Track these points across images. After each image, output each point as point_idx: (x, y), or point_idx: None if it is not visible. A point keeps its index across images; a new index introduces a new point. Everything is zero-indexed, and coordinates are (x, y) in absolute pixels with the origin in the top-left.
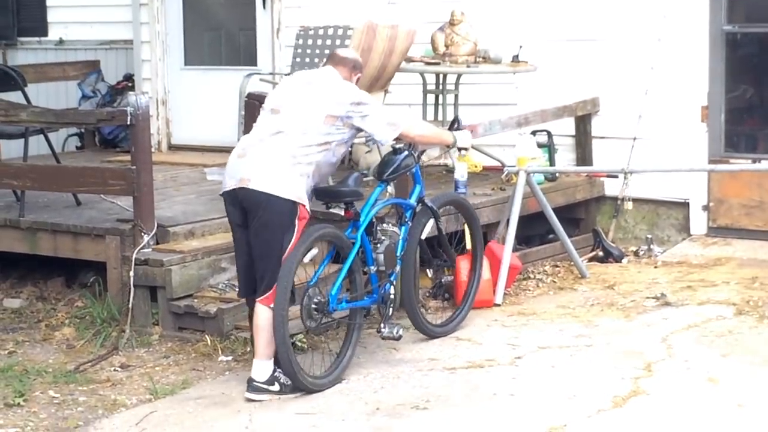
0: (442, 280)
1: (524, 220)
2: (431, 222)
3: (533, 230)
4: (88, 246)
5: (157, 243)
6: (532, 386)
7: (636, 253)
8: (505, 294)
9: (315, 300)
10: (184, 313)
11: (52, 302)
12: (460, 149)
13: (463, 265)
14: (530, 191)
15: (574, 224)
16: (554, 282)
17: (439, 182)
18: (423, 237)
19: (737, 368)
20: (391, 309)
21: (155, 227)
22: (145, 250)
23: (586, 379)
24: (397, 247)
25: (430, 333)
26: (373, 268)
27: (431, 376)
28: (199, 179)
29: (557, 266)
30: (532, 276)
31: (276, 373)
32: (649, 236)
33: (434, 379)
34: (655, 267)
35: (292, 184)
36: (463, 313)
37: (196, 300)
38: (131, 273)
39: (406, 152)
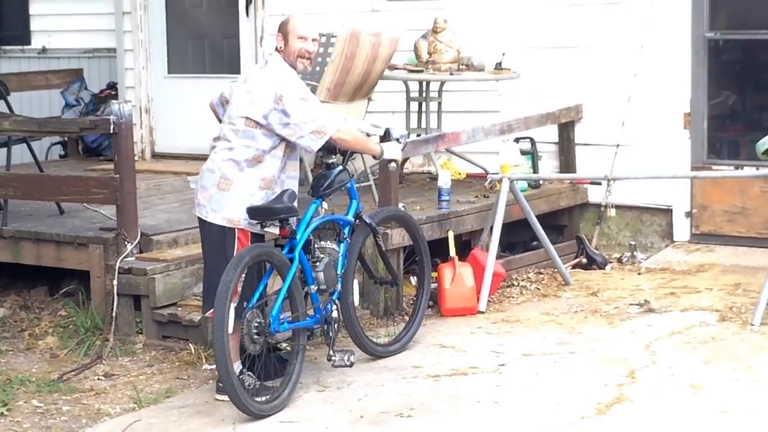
0: None
1: (508, 227)
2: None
3: (517, 237)
4: (72, 255)
5: (141, 252)
6: (516, 393)
7: (619, 260)
8: (489, 301)
9: (255, 323)
10: (167, 322)
11: (36, 311)
12: (389, 161)
13: (447, 272)
14: (514, 198)
15: (557, 231)
16: (538, 289)
17: (423, 189)
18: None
19: (720, 375)
20: (333, 330)
21: (138, 236)
22: (129, 258)
23: (570, 386)
24: (337, 265)
25: (375, 354)
26: (313, 288)
27: (415, 383)
28: (182, 188)
29: (541, 273)
30: (516, 283)
31: (242, 375)
32: (633, 243)
33: (418, 387)
34: (639, 274)
35: (225, 206)
36: (411, 332)
37: (179, 308)
38: (115, 282)
39: (340, 167)
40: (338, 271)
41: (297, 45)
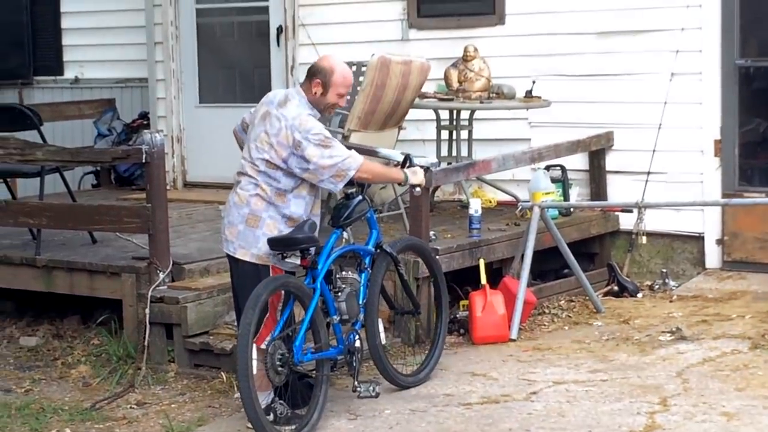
0: (457, 316)
1: (539, 255)
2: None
3: (548, 265)
4: (104, 284)
5: (173, 280)
6: (547, 422)
7: (651, 288)
8: (520, 329)
9: (278, 354)
10: (199, 350)
11: (69, 340)
12: (413, 186)
13: (478, 300)
14: (545, 226)
15: (588, 259)
16: (569, 317)
17: (454, 217)
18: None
19: (753, 402)
20: (357, 360)
21: (171, 265)
22: (161, 287)
23: (602, 414)
24: (359, 295)
25: (402, 384)
26: (335, 318)
27: (447, 411)
28: (214, 216)
29: (572, 301)
30: (547, 311)
31: (273, 404)
32: (664, 270)
33: (449, 415)
34: (671, 301)
35: (254, 243)
36: (433, 361)
37: (211, 337)
38: (147, 310)
39: (359, 197)
40: (360, 302)
41: (334, 99)
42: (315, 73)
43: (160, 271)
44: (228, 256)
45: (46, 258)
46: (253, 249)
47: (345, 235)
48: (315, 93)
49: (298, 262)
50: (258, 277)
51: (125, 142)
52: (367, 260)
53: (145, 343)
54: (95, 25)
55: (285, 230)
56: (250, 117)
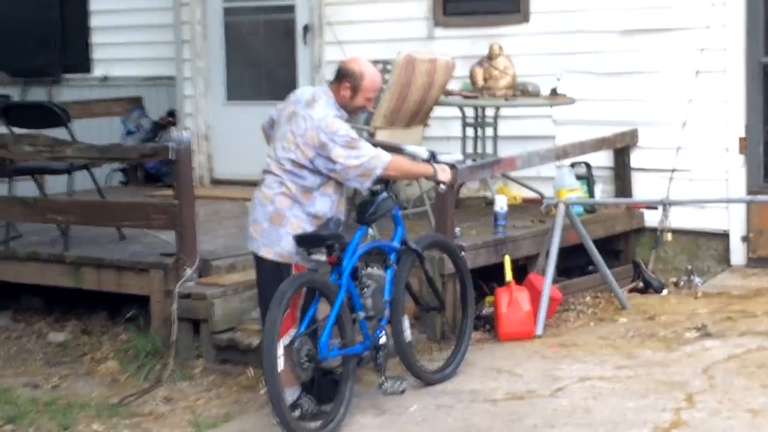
0: (482, 312)
1: (564, 252)
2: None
3: (573, 262)
4: (132, 280)
5: (200, 276)
6: (573, 418)
7: (676, 284)
8: (545, 325)
9: (304, 351)
10: (226, 346)
11: (97, 336)
12: (439, 183)
13: (503, 296)
14: (570, 223)
15: (613, 256)
16: (595, 313)
17: (479, 214)
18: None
19: None
20: (383, 356)
21: (198, 261)
22: (188, 283)
23: (627, 411)
24: (384, 291)
25: (426, 380)
26: (361, 314)
27: (472, 408)
28: (240, 213)
29: (597, 297)
30: (572, 307)
31: (300, 400)
32: (689, 267)
33: (475, 411)
34: (696, 298)
35: (278, 241)
36: (459, 357)
37: (238, 333)
38: (174, 306)
39: (385, 194)
40: (386, 298)
41: (362, 103)
42: (345, 75)
43: (187, 267)
44: (253, 253)
45: (75, 254)
46: (276, 247)
47: (370, 231)
48: (344, 96)
49: (324, 258)
50: (279, 276)
51: (152, 140)
52: (392, 257)
53: (173, 339)
54: (124, 24)
55: (309, 229)
56: (277, 114)
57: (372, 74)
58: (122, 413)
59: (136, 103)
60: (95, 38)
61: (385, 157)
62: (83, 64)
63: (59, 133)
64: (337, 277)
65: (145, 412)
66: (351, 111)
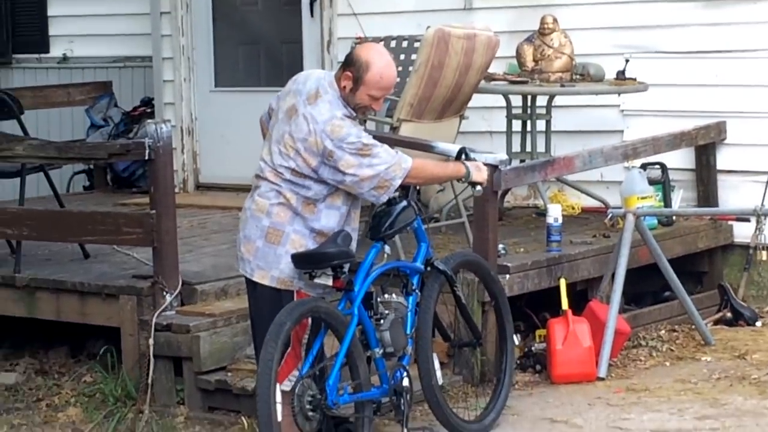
0: (532, 348)
1: (633, 274)
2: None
3: (645, 286)
4: (98, 308)
5: (182, 304)
6: None
7: None
8: (610, 365)
9: (308, 396)
10: (215, 390)
11: (55, 377)
12: (472, 184)
13: (558, 329)
14: (640, 238)
15: (695, 279)
16: (671, 350)
17: (528, 228)
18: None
19: None
20: (405, 403)
21: (180, 285)
22: (168, 312)
23: None
24: (406, 323)
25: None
26: (378, 351)
27: None
28: (232, 226)
29: (675, 331)
30: (643, 343)
31: None
32: None
33: None
34: None
35: (275, 263)
36: (499, 404)
37: (229, 374)
38: (151, 341)
39: (404, 203)
40: (408, 331)
41: (364, 100)
42: (348, 62)
43: (166, 292)
44: (245, 277)
45: (28, 276)
46: (273, 270)
47: (387, 249)
48: (344, 87)
49: (330, 282)
50: (279, 305)
51: (124, 135)
52: (414, 280)
53: (149, 380)
54: None
55: (312, 248)
56: (276, 103)
57: (381, 67)
58: None
59: (104, 89)
60: (53, 10)
61: (406, 163)
62: (39, 41)
63: (9, 126)
64: (348, 306)
65: None
66: (354, 109)
